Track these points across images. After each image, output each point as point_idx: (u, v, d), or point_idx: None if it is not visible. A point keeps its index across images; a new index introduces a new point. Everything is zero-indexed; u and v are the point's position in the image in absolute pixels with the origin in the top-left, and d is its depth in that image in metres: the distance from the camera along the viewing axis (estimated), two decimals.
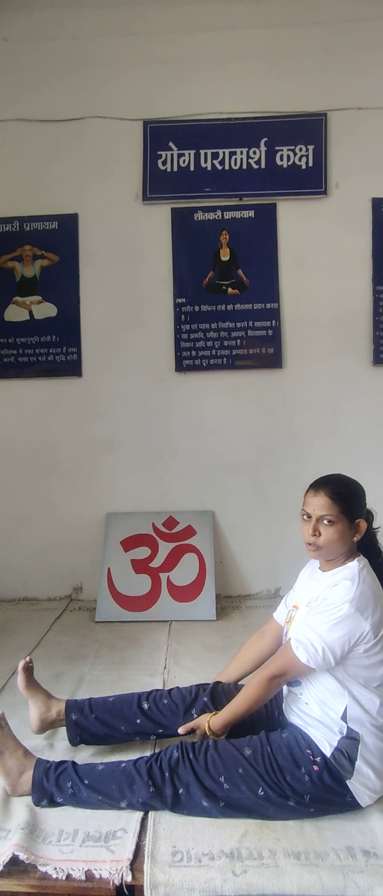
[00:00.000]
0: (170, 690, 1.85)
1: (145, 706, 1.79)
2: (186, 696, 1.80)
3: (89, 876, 1.34)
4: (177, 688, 1.86)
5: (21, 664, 1.85)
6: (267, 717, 1.74)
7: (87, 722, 1.78)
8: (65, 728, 1.82)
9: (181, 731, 1.69)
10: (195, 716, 1.74)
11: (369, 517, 1.66)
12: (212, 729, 1.64)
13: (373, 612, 1.49)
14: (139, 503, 3.46)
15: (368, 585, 1.53)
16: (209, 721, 1.65)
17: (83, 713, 1.80)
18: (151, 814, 1.52)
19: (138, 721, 1.77)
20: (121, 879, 1.32)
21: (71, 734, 1.80)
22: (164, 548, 3.34)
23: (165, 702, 1.79)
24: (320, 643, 1.48)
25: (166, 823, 1.49)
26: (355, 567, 1.57)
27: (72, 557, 3.50)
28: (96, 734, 1.79)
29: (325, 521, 1.58)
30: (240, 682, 1.85)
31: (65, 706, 1.82)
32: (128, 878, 1.33)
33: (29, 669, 1.86)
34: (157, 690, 1.86)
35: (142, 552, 3.33)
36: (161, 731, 1.77)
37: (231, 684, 1.85)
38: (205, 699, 1.77)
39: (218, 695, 1.79)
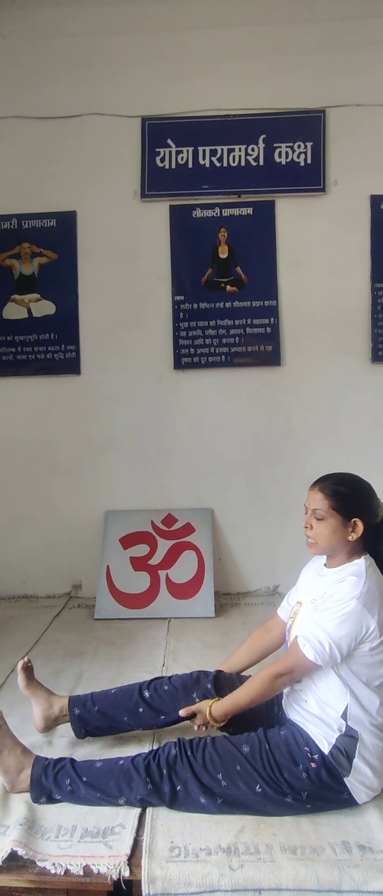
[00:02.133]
0: (170, 677, 1.85)
1: (146, 694, 1.79)
2: (187, 681, 1.80)
3: (87, 871, 1.35)
4: (178, 674, 1.86)
5: (20, 664, 1.85)
6: (267, 713, 1.75)
7: (90, 716, 1.79)
8: (66, 725, 1.82)
9: (182, 713, 1.70)
10: (197, 700, 1.73)
11: (371, 522, 1.64)
12: (213, 715, 1.64)
13: (380, 609, 1.49)
14: (138, 501, 3.46)
15: (374, 582, 1.53)
16: (211, 707, 1.65)
17: (86, 707, 1.80)
18: (149, 809, 1.53)
19: (140, 710, 1.77)
20: (119, 874, 1.33)
21: (76, 728, 1.80)
22: (163, 545, 3.34)
23: (166, 688, 1.79)
24: (327, 640, 1.47)
25: (164, 819, 1.50)
26: (362, 564, 1.57)
27: (71, 555, 3.50)
28: (100, 727, 1.79)
29: (316, 516, 1.61)
30: (242, 674, 1.85)
31: (67, 702, 1.82)
32: (126, 874, 1.33)
33: (28, 669, 1.86)
34: (158, 678, 1.86)
35: (140, 550, 3.34)
36: (163, 717, 1.77)
37: (233, 674, 1.85)
38: (209, 685, 1.77)
39: (220, 683, 1.79)
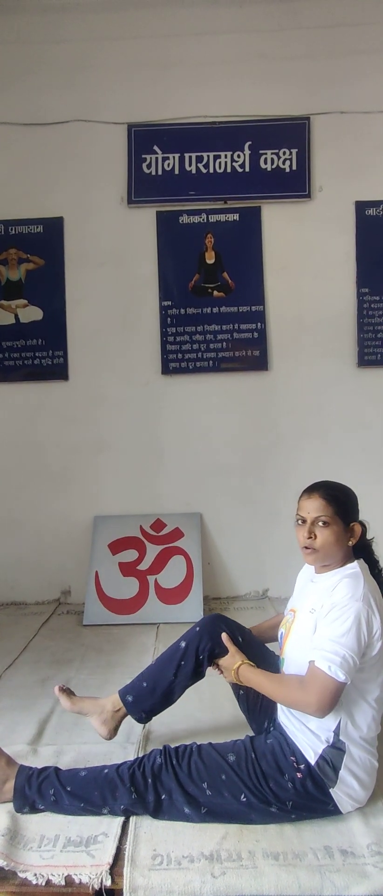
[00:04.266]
0: (197, 623, 1.82)
1: (182, 644, 1.77)
2: (216, 621, 1.78)
3: (69, 881, 1.34)
4: (205, 617, 1.83)
5: (56, 689, 1.83)
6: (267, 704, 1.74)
7: (142, 693, 1.76)
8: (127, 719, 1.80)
9: (225, 638, 1.70)
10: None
11: (362, 528, 1.64)
12: (239, 675, 1.64)
13: (379, 610, 1.49)
14: (126, 506, 3.46)
15: (370, 585, 1.53)
16: (241, 665, 1.64)
17: (135, 689, 1.78)
18: (132, 818, 1.52)
19: (183, 663, 1.74)
20: (101, 884, 1.33)
21: (136, 715, 1.78)
22: (152, 550, 3.34)
23: (197, 629, 1.78)
24: (349, 653, 1.42)
25: (147, 827, 1.50)
26: (356, 566, 1.56)
27: (60, 561, 3.50)
28: (154, 702, 1.76)
29: (320, 523, 1.57)
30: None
31: (118, 696, 1.80)
32: (108, 883, 1.33)
33: (66, 690, 1.84)
34: (186, 632, 1.84)
35: (129, 555, 3.34)
36: (202, 657, 1.73)
37: (260, 643, 1.85)
38: (239, 638, 1.75)
39: (247, 643, 1.77)
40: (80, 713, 1.83)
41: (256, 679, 1.62)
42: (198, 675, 1.76)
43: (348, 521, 1.59)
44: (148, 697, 1.75)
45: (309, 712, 1.48)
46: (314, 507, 1.59)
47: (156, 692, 1.75)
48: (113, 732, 1.79)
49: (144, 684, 1.77)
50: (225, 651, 1.71)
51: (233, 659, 1.67)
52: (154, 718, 1.89)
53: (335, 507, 1.58)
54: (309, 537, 1.59)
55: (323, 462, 2.93)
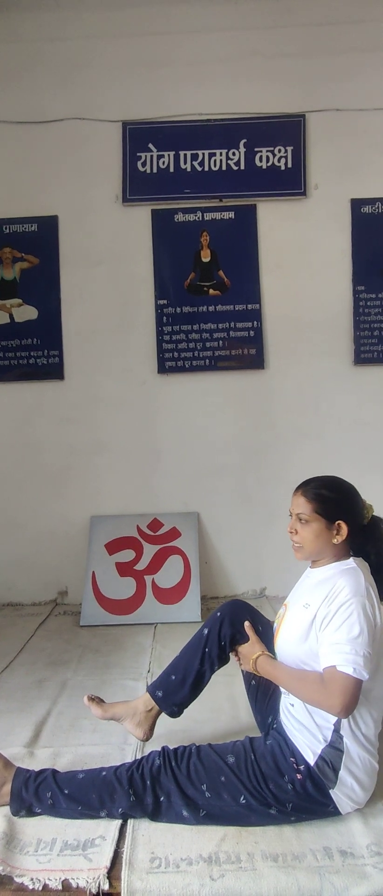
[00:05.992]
0: (219, 610, 1.82)
1: (205, 631, 1.78)
2: (238, 606, 1.80)
3: (66, 885, 1.32)
4: (226, 603, 1.82)
5: (86, 699, 1.82)
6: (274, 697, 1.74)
7: (172, 686, 1.75)
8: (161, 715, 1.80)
9: (247, 626, 1.71)
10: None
11: (380, 524, 1.63)
12: (256, 665, 1.64)
13: (378, 605, 1.48)
14: (123, 506, 3.45)
15: (369, 580, 1.53)
16: (260, 655, 1.64)
17: (163, 683, 1.78)
18: (130, 821, 1.51)
19: (207, 649, 1.75)
20: (98, 888, 1.31)
21: (167, 710, 1.77)
22: (149, 550, 3.33)
23: (218, 614, 1.78)
24: (368, 651, 1.42)
25: (145, 829, 1.48)
26: (351, 562, 1.56)
27: (57, 561, 3.48)
28: (185, 694, 1.75)
29: (300, 520, 1.59)
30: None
31: (148, 693, 1.79)
32: (105, 887, 1.31)
33: (96, 699, 1.82)
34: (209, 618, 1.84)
35: (126, 555, 3.32)
36: (223, 643, 1.74)
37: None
38: (260, 628, 1.76)
39: (264, 632, 1.77)
40: (112, 719, 1.81)
41: (274, 672, 1.61)
42: (222, 660, 1.77)
43: (333, 519, 1.57)
44: (178, 690, 1.75)
45: (333, 713, 1.46)
46: (296, 504, 1.62)
47: (186, 684, 1.75)
48: (148, 733, 1.78)
49: (173, 677, 1.77)
50: (245, 638, 1.71)
51: (253, 648, 1.67)
52: None
53: (315, 506, 1.58)
54: (291, 532, 1.62)
55: (320, 460, 2.90)
